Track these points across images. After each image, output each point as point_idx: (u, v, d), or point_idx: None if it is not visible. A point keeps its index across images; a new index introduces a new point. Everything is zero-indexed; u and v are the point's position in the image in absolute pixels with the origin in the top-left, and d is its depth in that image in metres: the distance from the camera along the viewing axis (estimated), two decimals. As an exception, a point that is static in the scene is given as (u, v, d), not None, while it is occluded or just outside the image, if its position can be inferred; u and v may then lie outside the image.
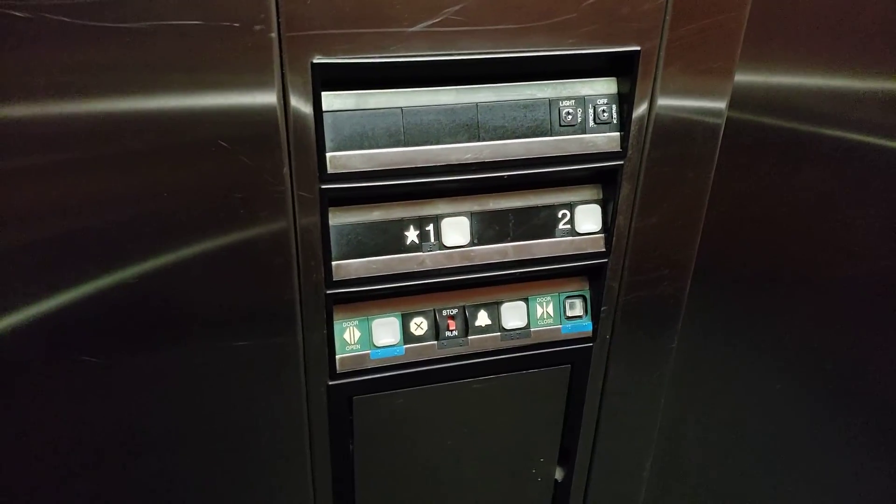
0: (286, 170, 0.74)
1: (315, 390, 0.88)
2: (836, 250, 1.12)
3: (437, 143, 0.81)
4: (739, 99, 0.91)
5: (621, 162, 0.89)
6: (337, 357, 0.87)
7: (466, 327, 0.92)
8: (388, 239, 0.84)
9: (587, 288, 0.98)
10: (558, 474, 1.10)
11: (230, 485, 0.90)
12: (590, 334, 0.98)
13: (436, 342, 0.92)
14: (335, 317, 0.86)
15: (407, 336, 0.90)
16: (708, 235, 1.00)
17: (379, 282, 0.85)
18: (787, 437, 1.28)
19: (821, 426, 1.30)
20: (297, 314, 0.83)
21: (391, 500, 1.01)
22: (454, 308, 0.92)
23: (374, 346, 0.89)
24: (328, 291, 0.83)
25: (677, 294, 1.03)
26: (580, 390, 1.03)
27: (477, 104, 0.81)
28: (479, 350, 0.93)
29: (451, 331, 0.92)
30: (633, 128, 0.88)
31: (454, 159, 0.82)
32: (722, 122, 0.90)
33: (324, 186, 0.77)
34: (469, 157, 0.82)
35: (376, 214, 0.84)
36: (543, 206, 0.90)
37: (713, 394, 1.17)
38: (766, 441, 1.27)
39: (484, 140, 0.82)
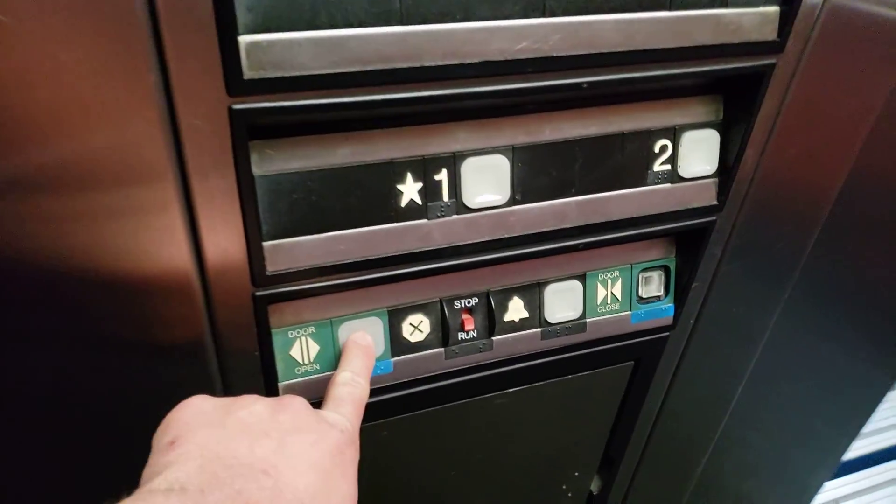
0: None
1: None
2: None
3: (462, 19, 0.41)
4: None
5: (773, 60, 0.51)
6: (280, 385, 0.52)
7: (491, 324, 0.57)
8: (365, 198, 0.47)
9: (673, 255, 0.63)
10: (595, 486, 0.81)
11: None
12: (670, 321, 0.65)
13: (443, 349, 0.57)
14: (274, 324, 0.50)
15: (397, 343, 0.55)
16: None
17: (346, 272, 0.48)
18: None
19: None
20: (205, 332, 0.46)
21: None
22: (472, 297, 0.56)
23: (343, 363, 0.54)
24: (257, 293, 0.46)
25: (793, 258, 0.69)
26: (641, 391, 0.71)
27: (544, -59, 0.41)
28: (510, 356, 0.59)
29: (468, 331, 0.57)
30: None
31: (494, 51, 0.43)
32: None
33: (237, 107, 0.38)
34: (523, 48, 0.43)
35: (344, 153, 0.45)
36: (633, 134, 0.53)
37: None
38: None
39: (553, 14, 0.43)
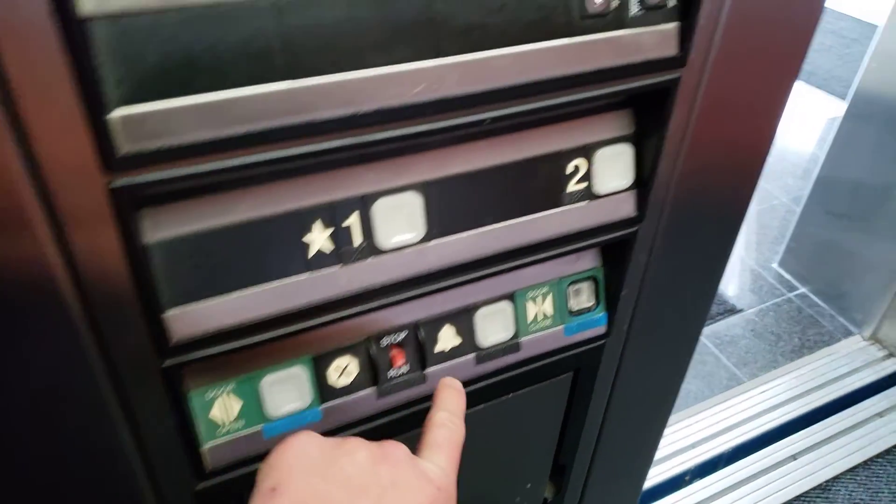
0: None
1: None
2: None
3: (352, 68, 0.40)
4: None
5: (677, 74, 0.51)
6: (204, 448, 0.51)
7: (422, 356, 0.56)
8: (271, 251, 0.45)
9: (600, 266, 0.63)
10: (548, 492, 0.81)
11: None
12: (604, 329, 0.65)
13: (374, 388, 0.56)
14: (190, 386, 0.48)
15: (325, 390, 0.54)
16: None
17: (258, 331, 0.46)
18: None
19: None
20: (111, 405, 0.44)
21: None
22: (400, 331, 0.55)
23: (268, 418, 0.52)
24: (165, 365, 0.44)
25: (721, 251, 0.70)
26: (584, 399, 0.71)
27: (430, -19, 0.40)
28: (444, 386, 0.58)
29: (398, 367, 0.56)
30: (703, 11, 0.49)
31: (391, 97, 0.41)
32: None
33: (115, 184, 0.36)
34: (420, 91, 0.42)
35: (243, 208, 0.43)
36: (544, 157, 0.52)
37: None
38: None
39: (447, 54, 0.42)
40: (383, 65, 0.40)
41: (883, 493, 1.65)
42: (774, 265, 2.41)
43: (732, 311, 2.24)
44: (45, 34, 0.32)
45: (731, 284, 2.36)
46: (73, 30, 0.32)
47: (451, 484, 0.43)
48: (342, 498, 0.37)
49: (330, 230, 0.46)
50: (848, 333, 2.13)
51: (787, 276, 2.36)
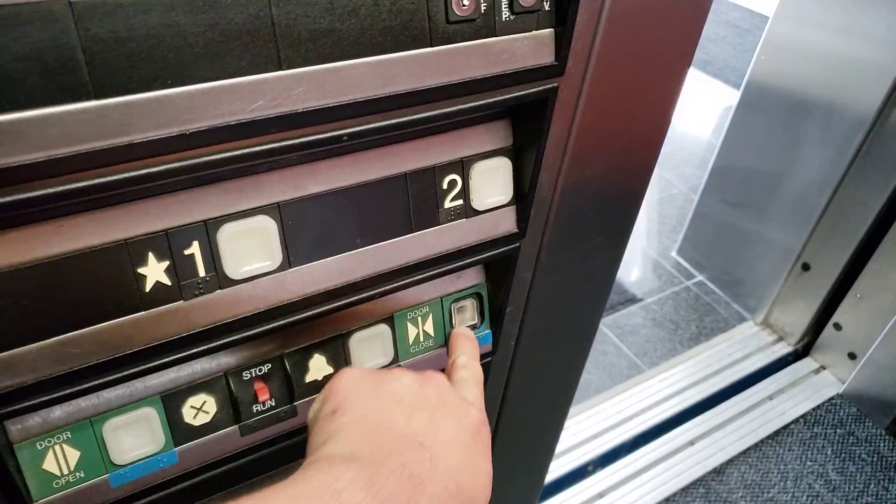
0: None
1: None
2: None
3: (175, 84, 0.34)
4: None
5: (555, 83, 0.48)
6: (36, 505, 0.44)
7: (290, 388, 0.52)
8: (97, 289, 0.39)
9: (483, 282, 0.60)
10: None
11: None
12: (490, 347, 0.62)
13: (237, 426, 0.51)
14: (16, 438, 0.42)
15: (180, 430, 0.48)
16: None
17: (89, 377, 0.40)
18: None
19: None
20: None
21: None
22: (263, 363, 0.50)
23: (115, 464, 0.46)
24: (-28, 422, 0.38)
25: (609, 265, 0.68)
26: (473, 416, 0.68)
27: (266, -17, 0.35)
28: (317, 417, 0.54)
29: (263, 402, 0.51)
30: (580, 15, 0.46)
31: (224, 114, 0.36)
32: None
33: None
34: (260, 106, 0.37)
35: (60, 241, 0.37)
36: (416, 173, 0.48)
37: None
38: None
39: (291, 66, 0.37)
40: (212, 79, 0.35)
41: (772, 472, 1.73)
42: (673, 254, 2.48)
43: (633, 300, 2.29)
44: None
45: (631, 273, 2.42)
46: None
47: (484, 412, 0.46)
48: (398, 412, 0.40)
49: (167, 262, 0.40)
50: (742, 319, 2.22)
51: (685, 265, 2.44)
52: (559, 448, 1.70)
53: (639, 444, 1.74)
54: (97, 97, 0.32)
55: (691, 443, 1.77)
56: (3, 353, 0.37)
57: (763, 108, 1.97)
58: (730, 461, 1.74)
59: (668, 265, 2.46)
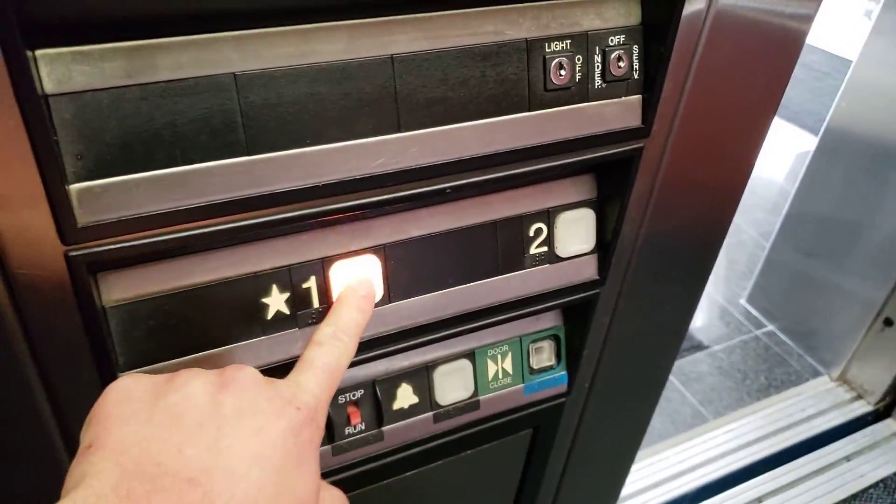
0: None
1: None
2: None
3: (313, 142, 0.40)
4: None
5: (640, 144, 0.52)
6: None
7: (379, 414, 0.56)
8: (228, 315, 0.45)
9: (561, 324, 0.63)
10: (506, 543, 0.81)
11: None
12: (565, 388, 0.65)
13: (329, 447, 0.55)
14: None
15: (280, 446, 0.53)
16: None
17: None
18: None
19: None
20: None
21: None
22: (357, 388, 0.55)
23: None
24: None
25: (684, 314, 0.70)
26: (543, 455, 0.71)
27: (392, 57, 0.40)
28: (401, 444, 0.58)
29: (355, 424, 0.56)
30: (667, 83, 0.50)
31: (351, 170, 0.41)
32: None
33: (73, 254, 0.36)
34: (381, 164, 0.42)
35: (201, 272, 0.43)
36: (505, 221, 0.53)
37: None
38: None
39: (408, 129, 0.42)
40: (343, 139, 0.40)
41: (846, 537, 1.66)
42: (742, 301, 2.44)
43: (699, 347, 2.26)
44: (6, 109, 0.32)
45: (698, 320, 2.39)
46: (34, 106, 0.32)
47: (317, 405, 0.37)
48: (171, 440, 0.31)
49: (286, 294, 0.46)
50: (816, 373, 2.16)
51: (755, 313, 2.39)
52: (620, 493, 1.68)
53: (702, 496, 1.70)
54: (250, 153, 0.38)
55: (759, 500, 1.72)
56: (147, 368, 0.43)
57: (843, 154, 1.93)
58: (800, 522, 1.68)
59: (736, 312, 2.41)
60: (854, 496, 1.74)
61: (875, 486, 1.77)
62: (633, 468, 1.74)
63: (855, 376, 2.08)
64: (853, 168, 1.91)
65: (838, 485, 1.76)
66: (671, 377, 2.10)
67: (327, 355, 0.39)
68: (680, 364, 2.19)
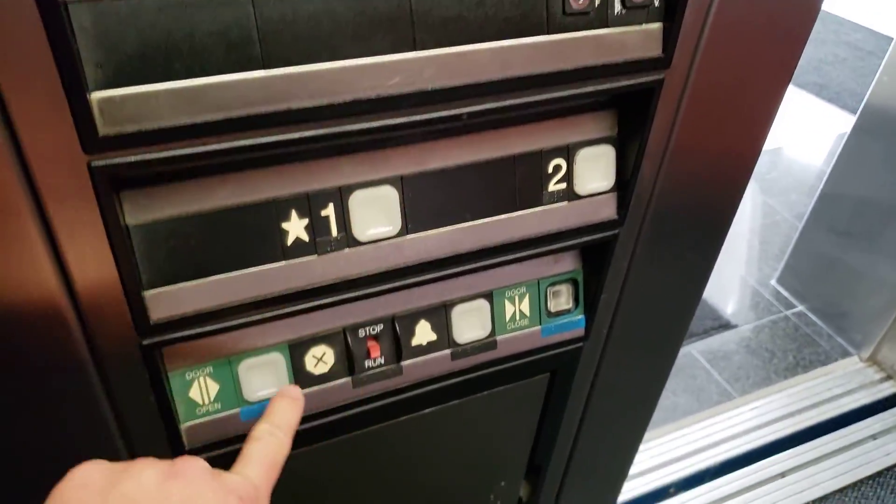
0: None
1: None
2: None
3: (328, 59, 0.40)
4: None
5: (661, 76, 0.52)
6: (182, 427, 0.51)
7: (398, 349, 0.57)
8: (249, 238, 0.46)
9: (580, 268, 0.63)
10: (524, 492, 0.82)
11: None
12: (582, 332, 0.65)
13: (350, 378, 0.56)
14: (170, 366, 0.49)
15: (302, 377, 0.54)
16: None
17: (234, 315, 0.47)
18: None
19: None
20: (94, 382, 0.45)
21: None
22: (377, 323, 0.56)
23: (246, 401, 0.53)
24: (143, 342, 0.45)
25: (702, 269, 0.70)
26: (561, 400, 0.71)
27: (408, -25, 0.40)
28: (420, 379, 0.59)
29: (374, 358, 0.56)
30: (688, 12, 0.49)
31: (366, 88, 0.42)
32: None
33: (96, 164, 0.37)
34: (396, 83, 0.42)
35: (222, 195, 0.44)
36: (524, 156, 0.53)
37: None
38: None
39: (424, 47, 0.42)
40: (359, 56, 0.40)
41: (872, 514, 1.64)
42: (773, 282, 2.40)
43: (727, 326, 2.23)
44: (27, 18, 0.33)
45: (727, 299, 2.36)
46: (53, 13, 0.33)
47: (258, 494, 0.40)
48: None
49: (306, 220, 0.46)
50: (845, 354, 2.12)
51: (785, 294, 2.35)
52: (642, 467, 1.68)
53: (725, 470, 1.69)
54: (265, 67, 0.39)
55: (782, 475, 1.70)
56: (170, 287, 0.44)
57: (882, 133, 1.88)
58: (824, 497, 1.66)
59: (766, 293, 2.38)
60: (879, 473, 1.72)
61: (902, 463, 1.74)
62: (656, 442, 1.74)
63: (885, 357, 2.04)
64: (890, 147, 1.86)
65: (863, 462, 1.73)
66: (697, 356, 2.08)
67: (265, 448, 0.43)
68: (707, 342, 2.16)
